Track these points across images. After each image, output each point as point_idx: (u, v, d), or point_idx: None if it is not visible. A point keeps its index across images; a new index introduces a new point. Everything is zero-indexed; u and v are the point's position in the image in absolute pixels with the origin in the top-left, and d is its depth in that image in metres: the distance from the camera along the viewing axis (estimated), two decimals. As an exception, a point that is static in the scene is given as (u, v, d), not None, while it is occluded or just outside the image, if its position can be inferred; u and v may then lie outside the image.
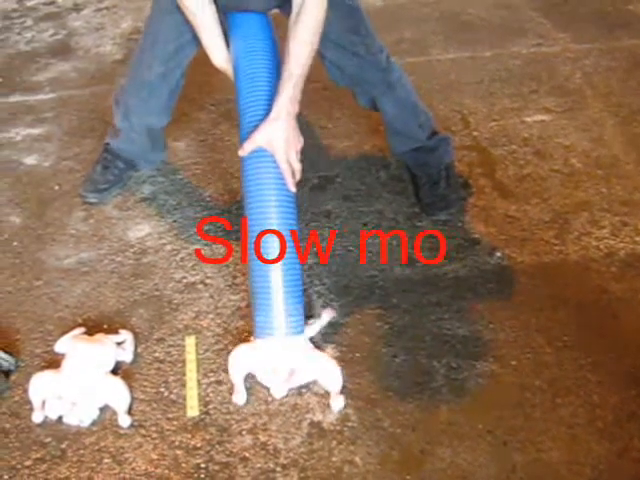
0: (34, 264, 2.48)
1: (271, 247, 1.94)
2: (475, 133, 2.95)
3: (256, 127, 1.95)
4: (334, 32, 2.16)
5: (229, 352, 2.09)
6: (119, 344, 2.11)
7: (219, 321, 2.22)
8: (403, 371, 2.04)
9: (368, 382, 2.02)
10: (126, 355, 2.10)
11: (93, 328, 2.19)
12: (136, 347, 2.14)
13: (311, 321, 2.10)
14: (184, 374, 2.07)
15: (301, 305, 2.00)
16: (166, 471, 1.84)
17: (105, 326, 2.21)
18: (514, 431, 1.89)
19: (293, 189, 1.97)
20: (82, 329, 2.17)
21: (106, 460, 1.88)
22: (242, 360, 2.01)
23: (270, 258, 1.93)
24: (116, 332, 2.15)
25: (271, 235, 1.93)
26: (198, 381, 2.05)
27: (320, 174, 2.77)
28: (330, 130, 3.02)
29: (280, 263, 1.94)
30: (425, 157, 2.61)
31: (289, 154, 1.93)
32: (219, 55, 2.16)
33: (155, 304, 2.29)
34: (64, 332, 2.18)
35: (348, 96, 3.14)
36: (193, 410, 1.98)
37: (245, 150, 1.96)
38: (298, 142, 1.97)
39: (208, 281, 2.35)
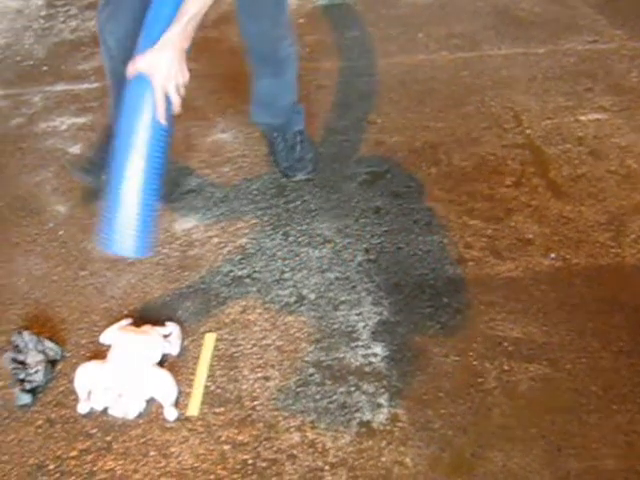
0: (80, 254, 2.50)
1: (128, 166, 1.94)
2: (528, 131, 2.93)
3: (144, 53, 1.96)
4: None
5: (276, 347, 2.11)
6: (165, 337, 2.12)
7: (267, 316, 2.23)
8: (454, 372, 2.03)
9: (419, 382, 2.01)
10: (172, 348, 2.12)
11: (139, 320, 2.20)
12: (183, 340, 2.15)
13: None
14: (231, 369, 2.08)
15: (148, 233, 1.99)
16: (212, 466, 1.85)
17: (152, 318, 2.23)
18: (568, 437, 1.87)
19: (162, 120, 1.94)
20: (129, 320, 2.19)
21: (152, 453, 1.89)
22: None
23: (124, 178, 1.93)
24: (162, 324, 2.16)
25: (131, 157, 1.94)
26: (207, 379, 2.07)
27: (369, 169, 2.77)
28: (379, 125, 3.02)
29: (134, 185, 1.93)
30: (281, 125, 2.81)
31: (167, 84, 1.93)
32: None
33: (202, 297, 2.31)
34: (110, 323, 2.20)
35: (398, 90, 3.17)
36: (193, 410, 1.99)
37: (129, 71, 1.97)
38: (181, 76, 1.96)
39: (256, 275, 2.36)
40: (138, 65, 1.93)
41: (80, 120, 3.20)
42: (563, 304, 2.21)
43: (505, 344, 2.10)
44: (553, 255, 2.37)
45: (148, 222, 1.97)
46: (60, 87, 3.46)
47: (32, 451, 1.93)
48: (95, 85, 3.43)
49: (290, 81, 2.71)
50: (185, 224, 2.59)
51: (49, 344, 2.14)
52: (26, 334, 2.13)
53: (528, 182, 2.67)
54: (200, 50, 3.58)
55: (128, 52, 2.26)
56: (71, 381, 2.04)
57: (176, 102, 1.97)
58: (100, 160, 2.59)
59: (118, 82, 2.46)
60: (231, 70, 3.42)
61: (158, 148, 1.96)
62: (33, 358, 2.08)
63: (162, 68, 1.91)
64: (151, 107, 1.94)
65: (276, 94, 2.72)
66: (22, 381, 2.05)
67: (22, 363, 2.08)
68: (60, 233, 2.60)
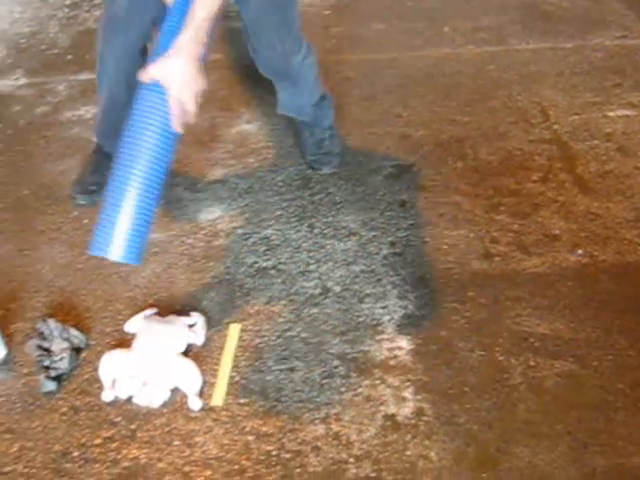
0: (104, 243, 2.51)
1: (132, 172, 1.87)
2: (555, 126, 2.92)
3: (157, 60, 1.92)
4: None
5: (301, 339, 2.12)
6: (190, 326, 2.13)
7: (291, 308, 2.23)
8: (480, 367, 2.03)
9: (444, 376, 2.02)
10: (197, 338, 2.13)
11: (164, 309, 2.22)
12: (207, 330, 2.16)
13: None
14: (255, 360, 2.09)
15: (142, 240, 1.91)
16: (236, 456, 1.86)
17: (176, 307, 2.24)
18: (595, 434, 1.87)
19: (179, 129, 1.90)
20: (154, 310, 2.20)
21: (176, 442, 1.91)
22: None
23: (126, 183, 1.86)
24: (187, 314, 2.17)
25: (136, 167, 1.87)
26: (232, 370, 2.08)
27: (395, 162, 2.77)
28: (405, 118, 3.02)
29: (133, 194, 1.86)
30: (310, 120, 2.80)
31: (183, 93, 1.88)
32: None
33: (226, 288, 2.32)
34: (134, 312, 2.22)
35: (425, 84, 3.17)
36: (218, 400, 2.00)
37: (141, 78, 1.92)
38: (196, 84, 1.90)
39: (281, 267, 2.37)
40: (151, 73, 1.89)
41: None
42: (590, 301, 2.21)
43: (531, 340, 2.10)
44: (580, 251, 2.36)
45: (144, 230, 1.90)
46: (84, 76, 3.47)
47: (56, 438, 1.94)
48: (120, 75, 3.44)
49: (310, 85, 2.71)
50: (210, 214, 2.60)
51: (74, 332, 2.15)
52: (51, 322, 2.14)
53: (555, 178, 2.66)
54: (225, 41, 3.61)
55: (126, 72, 2.37)
56: (95, 369, 2.05)
57: (191, 111, 1.91)
58: (97, 182, 2.65)
59: (111, 102, 2.54)
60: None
61: (165, 156, 1.92)
62: (58, 346, 2.09)
63: (176, 75, 1.87)
64: (162, 115, 1.89)
65: (298, 99, 2.74)
66: (47, 368, 2.07)
67: (47, 350, 2.10)
68: (85, 222, 2.61)
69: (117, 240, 1.83)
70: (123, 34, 2.38)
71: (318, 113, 2.79)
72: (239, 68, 3.42)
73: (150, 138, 1.87)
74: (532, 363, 2.04)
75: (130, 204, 1.84)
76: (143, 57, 2.37)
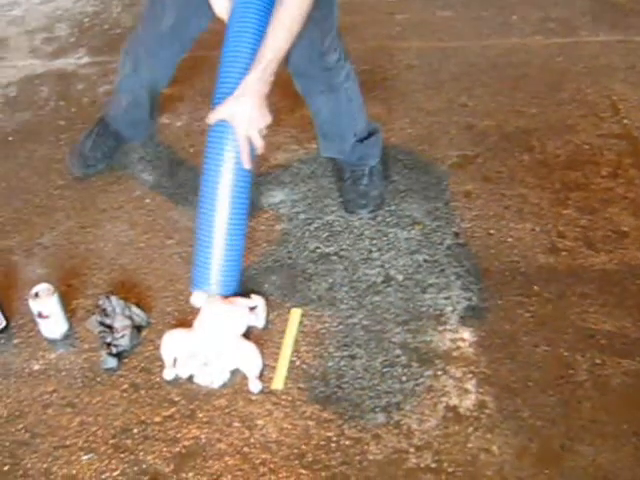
0: (166, 223, 2.55)
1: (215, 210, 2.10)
2: (625, 121, 2.88)
3: (225, 99, 2.04)
4: None
5: (363, 327, 2.12)
6: (251, 309, 2.15)
7: (353, 294, 2.24)
8: (544, 362, 2.02)
9: (507, 370, 2.01)
10: (258, 321, 2.14)
11: (225, 291, 2.23)
12: (268, 314, 2.18)
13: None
14: (316, 345, 2.10)
15: (236, 274, 2.17)
16: (296, 441, 1.87)
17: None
18: (662, 435, 1.85)
19: (247, 166, 2.05)
20: (216, 291, 2.22)
21: (236, 424, 1.92)
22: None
23: (213, 224, 2.10)
24: (248, 297, 2.19)
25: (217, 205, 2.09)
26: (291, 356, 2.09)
27: (459, 152, 2.76)
28: (470, 108, 3.00)
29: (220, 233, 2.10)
30: (351, 160, 2.59)
31: (250, 131, 2.01)
32: (219, 3, 2.18)
33: (288, 272, 2.33)
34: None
35: (491, 74, 3.15)
36: (278, 384, 2.01)
37: (210, 120, 2.06)
38: (262, 121, 2.03)
39: (343, 253, 2.38)
40: (220, 112, 2.02)
41: (167, 90, 3.23)
42: (660, 301, 2.19)
43: (597, 337, 2.08)
44: (650, 249, 2.33)
45: (237, 264, 2.14)
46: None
47: (117, 414, 1.97)
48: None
49: (348, 104, 2.45)
50: (271, 198, 2.62)
51: (135, 310, 2.18)
52: (114, 299, 2.18)
53: (625, 174, 2.63)
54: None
55: (158, 83, 2.61)
56: (156, 348, 2.09)
57: (259, 146, 2.04)
58: (96, 158, 2.79)
59: (135, 103, 2.65)
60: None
61: (244, 192, 2.10)
62: (120, 323, 2.12)
63: (244, 116, 1.99)
64: (234, 154, 2.05)
65: (335, 118, 2.47)
66: (108, 345, 2.10)
67: (109, 327, 2.13)
68: (147, 201, 2.64)
69: (215, 279, 2.13)
70: (167, 49, 2.46)
71: (363, 151, 2.57)
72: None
73: (227, 177, 2.07)
74: (598, 361, 2.02)
75: (220, 244, 2.10)
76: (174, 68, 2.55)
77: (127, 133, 2.78)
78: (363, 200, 2.55)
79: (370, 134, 2.56)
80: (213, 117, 2.05)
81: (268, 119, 2.05)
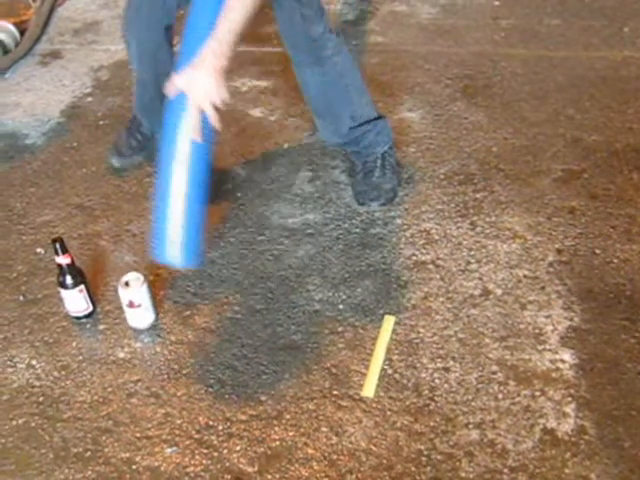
0: (257, 219, 2.59)
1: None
2: None
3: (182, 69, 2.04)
4: None
5: (458, 339, 2.14)
6: (343, 313, 2.18)
7: (449, 306, 2.25)
8: (649, 391, 2.01)
9: (609, 396, 1.99)
10: (349, 325, 2.17)
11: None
12: (360, 320, 2.21)
13: None
14: (409, 355, 2.11)
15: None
16: (385, 451, 1.89)
17: (329, 293, 2.30)
18: None
19: (196, 136, 2.02)
20: (308, 291, 2.26)
21: (323, 429, 1.95)
22: None
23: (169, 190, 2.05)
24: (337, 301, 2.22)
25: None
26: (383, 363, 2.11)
27: (565, 166, 2.75)
28: (578, 121, 2.98)
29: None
30: (355, 147, 2.65)
31: (202, 103, 2.00)
32: None
33: (382, 278, 2.35)
34: (286, 291, 2.29)
35: (600, 87, 3.13)
36: (369, 391, 2.03)
37: (167, 89, 2.06)
38: (217, 94, 2.00)
39: (439, 262, 2.39)
40: (176, 82, 2.03)
41: (262, 83, 3.31)
42: None
43: None
44: None
45: (194, 232, 2.07)
46: (241, 48, 3.51)
47: (201, 409, 2.02)
48: (277, 49, 3.50)
49: (339, 80, 2.50)
50: (367, 201, 2.65)
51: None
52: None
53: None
54: (388, 24, 3.65)
55: (149, 53, 2.58)
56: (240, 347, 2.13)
57: (213, 117, 2.03)
58: (131, 147, 2.90)
59: (140, 82, 2.74)
60: (421, 47, 3.46)
61: (201, 160, 2.08)
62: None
63: (198, 87, 1.99)
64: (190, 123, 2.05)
65: (325, 94, 2.52)
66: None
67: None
68: (238, 195, 2.69)
69: (175, 248, 2.05)
70: (146, 16, 2.49)
71: (367, 137, 2.62)
72: (402, 53, 3.45)
73: (183, 145, 2.04)
74: None
75: (176, 211, 2.04)
76: (167, 37, 2.55)
77: (146, 122, 2.86)
78: (375, 192, 2.64)
79: (372, 120, 2.61)
80: (170, 87, 2.05)
81: (224, 95, 2.03)
